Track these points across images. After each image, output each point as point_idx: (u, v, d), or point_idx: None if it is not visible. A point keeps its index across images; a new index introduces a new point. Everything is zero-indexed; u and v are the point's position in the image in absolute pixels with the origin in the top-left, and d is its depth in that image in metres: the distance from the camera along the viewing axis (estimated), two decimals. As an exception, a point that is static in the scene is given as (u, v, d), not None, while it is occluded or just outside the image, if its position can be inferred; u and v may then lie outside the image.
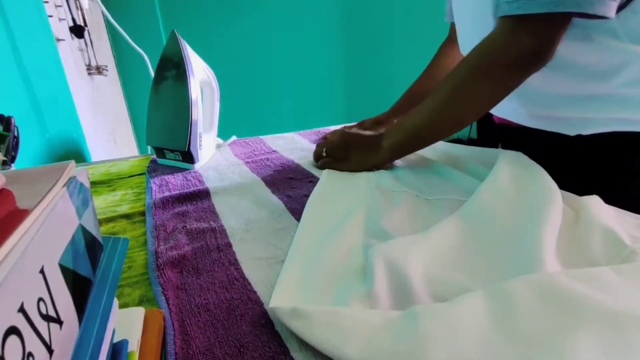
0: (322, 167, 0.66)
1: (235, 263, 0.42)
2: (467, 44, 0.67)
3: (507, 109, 0.63)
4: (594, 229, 0.41)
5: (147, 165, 0.79)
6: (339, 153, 0.65)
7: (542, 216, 0.40)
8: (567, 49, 0.50)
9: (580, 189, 0.49)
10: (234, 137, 0.95)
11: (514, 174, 0.49)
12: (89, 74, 1.43)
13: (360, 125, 0.84)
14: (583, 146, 0.56)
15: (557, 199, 0.43)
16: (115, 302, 0.27)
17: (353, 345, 0.28)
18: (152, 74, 0.88)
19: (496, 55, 0.49)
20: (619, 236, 0.39)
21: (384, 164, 0.63)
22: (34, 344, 0.16)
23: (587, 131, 0.55)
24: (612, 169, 0.56)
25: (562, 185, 0.47)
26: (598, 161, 0.56)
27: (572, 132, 0.57)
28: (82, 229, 0.24)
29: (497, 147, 0.68)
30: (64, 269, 0.20)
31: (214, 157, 0.83)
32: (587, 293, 0.30)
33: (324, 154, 0.66)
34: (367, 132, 0.67)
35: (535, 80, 0.51)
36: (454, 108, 0.55)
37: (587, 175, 0.57)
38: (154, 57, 0.91)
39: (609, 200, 0.47)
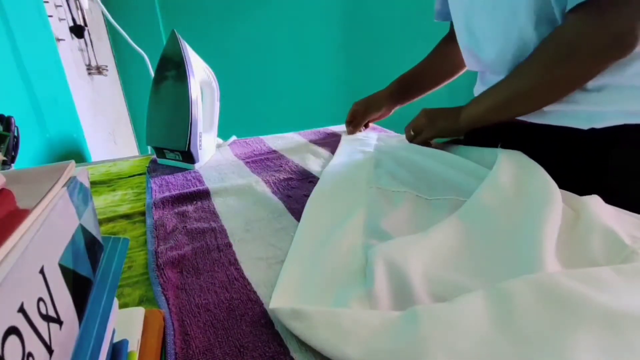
0: (422, 143, 0.72)
1: (235, 263, 0.42)
2: (475, 39, 0.67)
3: None
4: (594, 228, 0.41)
5: (147, 165, 0.79)
6: (421, 123, 0.71)
7: (542, 216, 0.40)
8: None
9: (582, 186, 0.49)
10: (234, 137, 0.95)
11: (513, 174, 0.49)
12: (89, 74, 1.43)
13: (356, 116, 0.92)
14: (594, 140, 0.56)
15: (557, 198, 0.43)
16: (115, 302, 0.27)
17: (353, 346, 0.28)
18: (152, 74, 0.88)
19: (589, 43, 0.49)
20: (619, 236, 0.39)
21: (461, 132, 0.69)
22: (34, 344, 0.16)
23: (600, 124, 0.54)
24: (617, 165, 0.55)
25: (564, 183, 0.47)
26: (607, 156, 0.56)
27: (584, 126, 0.55)
28: (82, 229, 0.24)
29: (496, 147, 0.68)
30: (64, 269, 0.20)
31: (214, 157, 0.83)
32: (586, 293, 0.30)
33: (412, 132, 0.73)
34: (440, 109, 0.72)
35: None
36: (538, 91, 0.56)
37: (589, 172, 0.57)
38: (154, 57, 0.91)
39: (610, 198, 0.46)
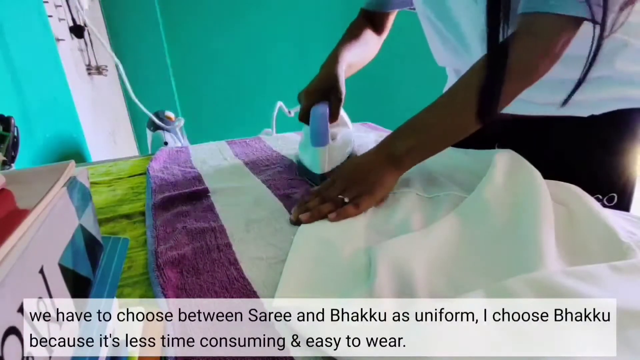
0: (346, 216, 0.49)
1: (235, 263, 0.42)
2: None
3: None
4: (591, 225, 0.41)
5: (147, 165, 0.79)
6: (361, 187, 0.52)
7: (537, 214, 0.41)
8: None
9: (581, 170, 0.54)
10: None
11: (507, 174, 0.49)
12: (89, 74, 1.43)
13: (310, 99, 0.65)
14: (594, 126, 0.60)
15: (546, 196, 0.44)
16: (115, 302, 0.27)
17: (355, 345, 0.28)
18: (126, 80, 0.88)
19: (542, 50, 0.49)
20: (615, 232, 0.39)
21: (402, 173, 0.56)
22: (33, 344, 0.16)
23: (598, 111, 0.59)
24: (614, 146, 0.60)
25: (564, 171, 0.51)
26: (607, 139, 0.61)
27: (585, 113, 0.60)
28: (82, 229, 0.24)
29: (493, 147, 0.67)
30: (63, 269, 0.20)
31: (214, 156, 0.83)
32: (585, 290, 0.30)
33: (346, 200, 0.51)
34: (363, 154, 0.58)
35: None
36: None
37: (590, 155, 0.61)
38: (153, 57, 0.92)
39: (607, 180, 0.51)
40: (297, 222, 0.50)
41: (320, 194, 0.54)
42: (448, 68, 0.80)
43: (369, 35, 0.80)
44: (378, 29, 0.83)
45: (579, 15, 0.45)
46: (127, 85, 1.01)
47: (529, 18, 0.48)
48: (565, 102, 0.51)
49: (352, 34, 0.77)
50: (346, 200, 0.51)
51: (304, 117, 0.65)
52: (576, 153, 0.62)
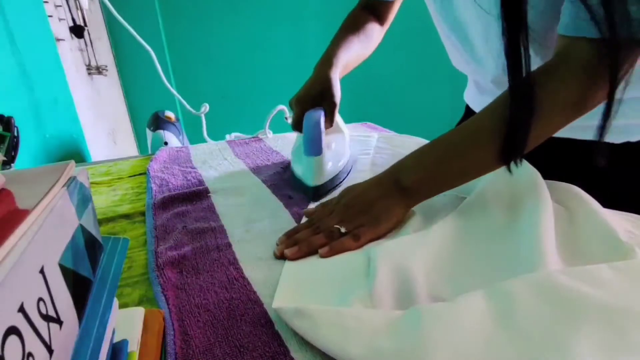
0: (341, 250, 0.43)
1: (235, 263, 0.42)
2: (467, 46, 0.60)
3: None
4: (591, 226, 0.41)
5: (147, 165, 0.79)
6: (364, 218, 0.46)
7: (538, 215, 0.41)
8: None
9: (613, 200, 0.47)
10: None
11: (509, 175, 0.49)
12: (89, 74, 1.43)
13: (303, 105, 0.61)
14: (628, 154, 0.53)
15: (546, 197, 0.44)
16: (115, 302, 0.27)
17: (356, 345, 0.28)
18: (159, 69, 0.87)
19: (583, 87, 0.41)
20: (615, 233, 0.39)
21: (411, 207, 0.48)
22: (34, 344, 0.16)
23: (635, 137, 0.52)
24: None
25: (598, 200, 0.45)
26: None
27: (617, 140, 0.52)
28: (82, 229, 0.24)
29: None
30: (63, 269, 0.20)
31: (215, 156, 0.83)
32: (585, 291, 0.30)
33: (343, 230, 0.45)
34: (367, 181, 0.51)
35: None
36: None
37: (624, 187, 0.53)
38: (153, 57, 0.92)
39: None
40: (281, 257, 0.43)
41: (313, 223, 0.47)
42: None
43: (369, 26, 0.72)
44: (381, 20, 0.75)
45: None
46: (160, 73, 1.00)
47: (570, 43, 0.40)
48: (602, 132, 0.42)
49: (350, 27, 0.70)
50: (343, 230, 0.45)
51: (298, 125, 0.60)
52: (605, 183, 0.51)
